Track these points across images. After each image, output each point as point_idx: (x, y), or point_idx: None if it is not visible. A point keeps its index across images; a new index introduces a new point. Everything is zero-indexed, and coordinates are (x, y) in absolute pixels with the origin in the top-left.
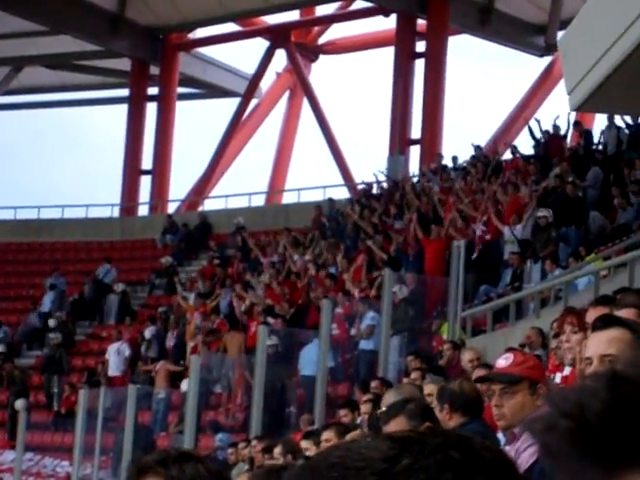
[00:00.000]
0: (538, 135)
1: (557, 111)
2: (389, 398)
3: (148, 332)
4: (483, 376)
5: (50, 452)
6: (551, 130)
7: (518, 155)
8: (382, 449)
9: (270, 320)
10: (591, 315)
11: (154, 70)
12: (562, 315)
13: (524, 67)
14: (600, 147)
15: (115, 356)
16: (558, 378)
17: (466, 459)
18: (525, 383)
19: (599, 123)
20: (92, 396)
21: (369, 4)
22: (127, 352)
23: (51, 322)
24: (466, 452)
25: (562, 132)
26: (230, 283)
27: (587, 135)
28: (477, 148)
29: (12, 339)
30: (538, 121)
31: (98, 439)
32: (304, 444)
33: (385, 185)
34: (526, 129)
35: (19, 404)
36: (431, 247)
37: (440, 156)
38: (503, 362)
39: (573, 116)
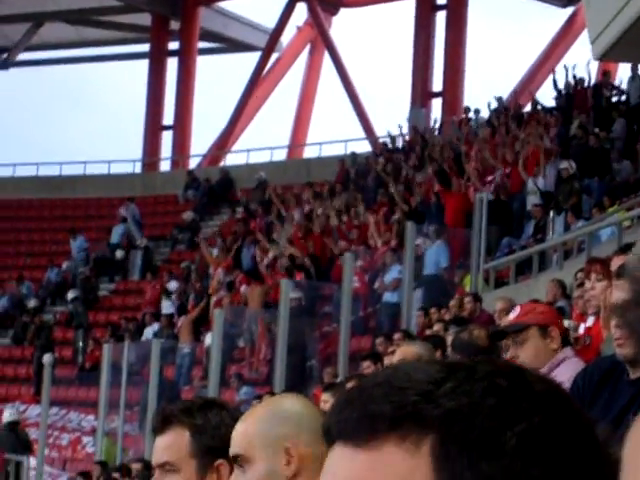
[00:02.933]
0: (561, 86)
1: (580, 62)
2: (401, 355)
3: (171, 287)
4: (492, 332)
5: (75, 406)
6: (573, 81)
7: (539, 107)
8: (429, 372)
9: (294, 273)
10: (615, 264)
11: (174, 25)
12: (587, 263)
13: (547, 18)
14: (623, 97)
15: None
16: (582, 329)
17: (513, 387)
18: (533, 329)
19: (622, 74)
20: (116, 350)
21: None
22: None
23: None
24: (514, 380)
25: (585, 83)
26: (252, 238)
27: (610, 86)
28: (499, 99)
29: (36, 294)
30: (567, 68)
31: (123, 393)
32: (324, 397)
33: (407, 137)
34: (549, 80)
35: (46, 359)
36: (451, 200)
37: (467, 108)
38: (512, 315)
39: (595, 66)
